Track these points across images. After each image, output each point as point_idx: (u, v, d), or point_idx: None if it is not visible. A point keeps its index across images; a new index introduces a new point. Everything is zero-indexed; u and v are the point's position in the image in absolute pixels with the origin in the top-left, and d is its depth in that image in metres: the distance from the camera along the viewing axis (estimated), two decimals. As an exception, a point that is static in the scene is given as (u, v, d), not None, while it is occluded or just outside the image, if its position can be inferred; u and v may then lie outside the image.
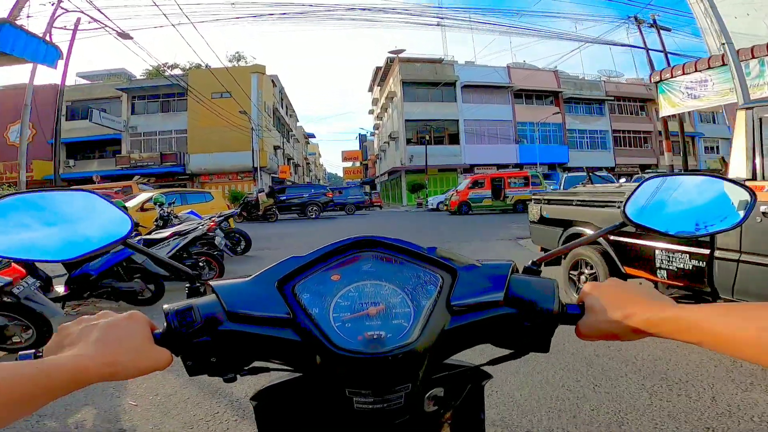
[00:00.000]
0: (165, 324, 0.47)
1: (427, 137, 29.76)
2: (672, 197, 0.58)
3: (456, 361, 0.56)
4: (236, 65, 32.76)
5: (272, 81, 35.01)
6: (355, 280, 0.51)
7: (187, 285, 0.54)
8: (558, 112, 31.97)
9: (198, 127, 27.67)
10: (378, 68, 40.48)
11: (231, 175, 28.52)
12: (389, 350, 0.44)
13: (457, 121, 31.89)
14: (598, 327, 0.47)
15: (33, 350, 0.42)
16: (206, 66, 26.72)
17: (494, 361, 0.57)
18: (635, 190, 0.59)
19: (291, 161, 42.21)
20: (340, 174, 66.04)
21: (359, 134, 51.68)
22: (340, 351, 0.44)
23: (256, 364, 0.52)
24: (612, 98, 35.45)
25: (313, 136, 59.71)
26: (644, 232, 0.58)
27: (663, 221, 0.57)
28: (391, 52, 34.05)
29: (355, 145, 54.17)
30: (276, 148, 33.84)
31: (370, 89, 48.53)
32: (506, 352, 0.54)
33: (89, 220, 0.52)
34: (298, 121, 51.75)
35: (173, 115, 29.46)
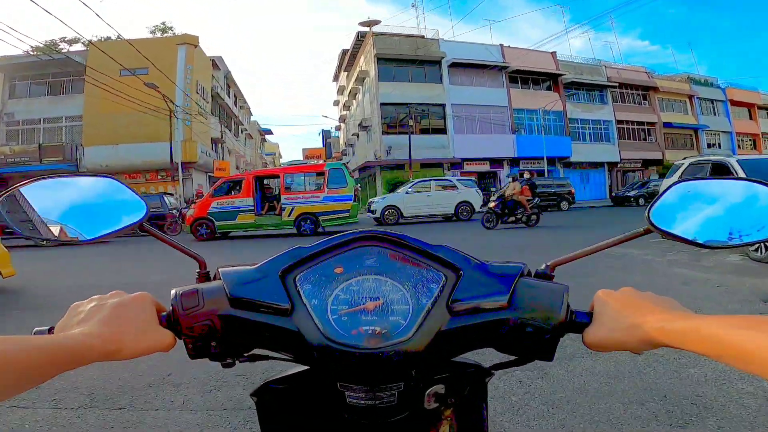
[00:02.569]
0: (170, 306, 0.48)
1: (411, 122, 23.29)
2: (702, 203, 0.54)
3: (459, 358, 0.54)
4: (160, 37, 25.60)
5: (213, 61, 28.02)
6: (357, 273, 0.50)
7: (197, 270, 0.54)
8: (571, 93, 26.77)
9: (98, 113, 20.46)
10: (345, 51, 34.14)
11: (149, 174, 21.44)
12: (382, 347, 0.44)
13: (444, 105, 25.98)
14: (607, 335, 0.45)
15: (48, 326, 0.44)
16: (118, 37, 19.67)
17: (496, 367, 0.55)
18: (661, 195, 0.54)
19: (241, 160, 35.13)
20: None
21: (322, 130, 45.20)
22: (333, 344, 0.44)
23: (256, 351, 0.52)
24: (615, 84, 30.94)
25: (269, 132, 51.78)
26: (671, 240, 0.53)
27: (692, 229, 0.52)
28: (362, 24, 27.81)
29: (318, 143, 47.58)
30: (216, 141, 26.78)
31: (335, 78, 42.08)
32: (510, 357, 0.52)
33: (110, 203, 0.56)
34: (252, 115, 44.57)
35: (66, 98, 22.19)
